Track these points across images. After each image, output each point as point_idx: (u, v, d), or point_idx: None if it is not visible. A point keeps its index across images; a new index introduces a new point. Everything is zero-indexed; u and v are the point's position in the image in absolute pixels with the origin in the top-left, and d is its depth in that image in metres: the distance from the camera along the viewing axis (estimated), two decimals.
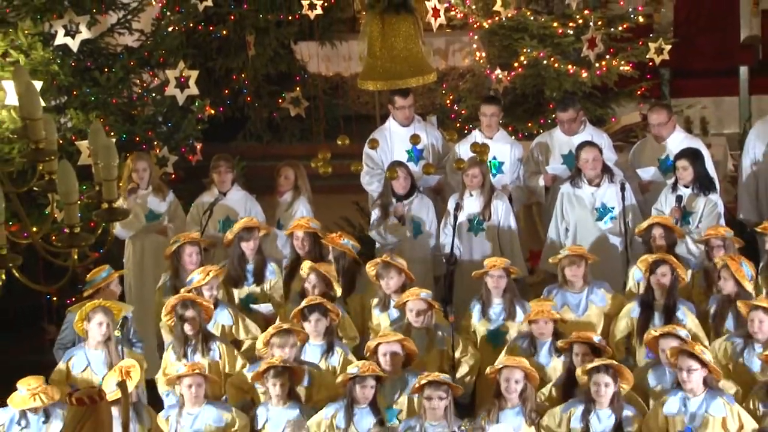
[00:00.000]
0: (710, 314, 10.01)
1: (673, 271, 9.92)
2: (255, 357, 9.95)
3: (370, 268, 10.48)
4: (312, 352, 9.78)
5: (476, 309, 10.29)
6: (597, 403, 8.89)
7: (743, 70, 15.27)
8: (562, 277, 10.35)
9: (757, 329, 9.38)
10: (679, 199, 11.00)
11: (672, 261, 9.96)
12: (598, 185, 11.23)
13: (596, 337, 9.42)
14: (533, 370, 9.07)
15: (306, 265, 10.45)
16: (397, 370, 9.40)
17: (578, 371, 9.11)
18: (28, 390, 9.13)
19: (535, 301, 9.92)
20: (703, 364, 8.79)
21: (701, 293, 10.41)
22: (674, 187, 11.13)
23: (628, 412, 8.92)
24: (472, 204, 11.31)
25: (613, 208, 11.18)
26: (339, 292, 10.38)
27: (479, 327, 10.27)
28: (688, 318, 9.86)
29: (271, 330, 9.59)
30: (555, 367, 9.63)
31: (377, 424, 9.06)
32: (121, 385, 8.87)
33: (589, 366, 8.92)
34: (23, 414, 9.21)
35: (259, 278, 10.85)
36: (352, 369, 9.19)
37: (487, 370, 9.26)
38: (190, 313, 9.79)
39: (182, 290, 10.25)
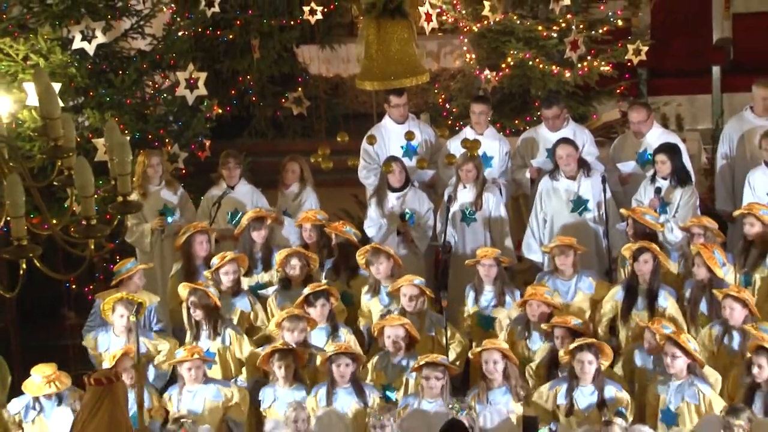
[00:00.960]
0: (685, 298, 9.98)
1: (654, 258, 9.89)
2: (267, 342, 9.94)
3: (360, 256, 10.44)
4: (317, 336, 9.75)
5: (470, 295, 10.29)
6: (581, 380, 8.90)
7: (715, 70, 15.24)
8: (552, 265, 10.33)
9: (729, 315, 9.36)
10: (657, 190, 10.96)
11: (654, 249, 9.93)
12: (574, 178, 11.19)
13: (575, 321, 9.41)
14: (509, 350, 9.09)
15: (279, 256, 10.41)
16: (399, 352, 9.38)
17: (561, 352, 9.12)
18: (43, 377, 9.11)
19: (532, 285, 9.93)
20: (687, 352, 8.78)
21: (680, 278, 10.36)
22: (653, 179, 11.09)
23: (612, 389, 8.92)
24: (465, 195, 11.27)
25: (587, 200, 11.13)
26: (317, 264, 10.39)
27: (472, 312, 10.28)
28: (669, 302, 9.84)
29: (283, 314, 9.58)
30: (543, 349, 9.61)
31: (381, 399, 9.03)
32: (137, 366, 8.86)
33: (572, 345, 8.93)
34: (36, 399, 9.21)
35: (267, 266, 10.82)
36: (329, 349, 9.18)
37: (469, 354, 9.30)
38: (191, 298, 9.81)
39: (205, 273, 10.25)
